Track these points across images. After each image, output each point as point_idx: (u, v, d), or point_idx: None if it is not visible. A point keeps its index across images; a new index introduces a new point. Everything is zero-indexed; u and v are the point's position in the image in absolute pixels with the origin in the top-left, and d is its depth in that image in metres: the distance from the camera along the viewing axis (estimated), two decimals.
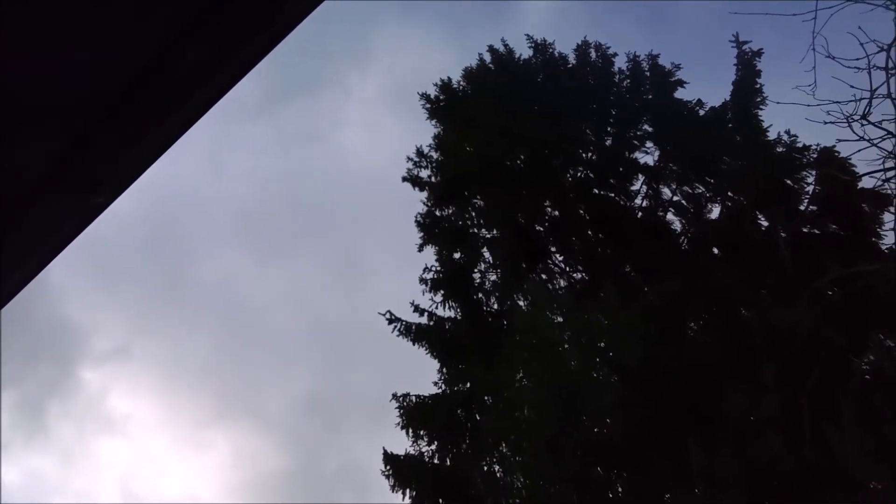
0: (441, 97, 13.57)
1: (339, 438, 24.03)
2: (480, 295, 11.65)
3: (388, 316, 11.20)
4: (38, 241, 2.00)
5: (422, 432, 10.27)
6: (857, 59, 5.39)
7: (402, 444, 10.29)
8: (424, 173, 13.17)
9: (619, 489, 8.25)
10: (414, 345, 10.92)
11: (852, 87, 5.53)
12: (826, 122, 5.75)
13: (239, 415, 27.04)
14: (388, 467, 9.87)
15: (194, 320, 28.29)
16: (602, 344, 8.75)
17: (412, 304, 11.34)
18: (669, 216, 11.19)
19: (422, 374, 10.99)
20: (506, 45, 13.62)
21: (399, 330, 11.06)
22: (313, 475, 23.13)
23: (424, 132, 13.54)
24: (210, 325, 27.49)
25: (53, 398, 25.55)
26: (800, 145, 9.92)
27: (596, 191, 11.81)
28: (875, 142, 5.96)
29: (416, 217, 12.57)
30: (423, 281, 11.68)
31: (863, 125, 5.80)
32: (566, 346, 9.01)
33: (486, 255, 11.95)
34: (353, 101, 27.49)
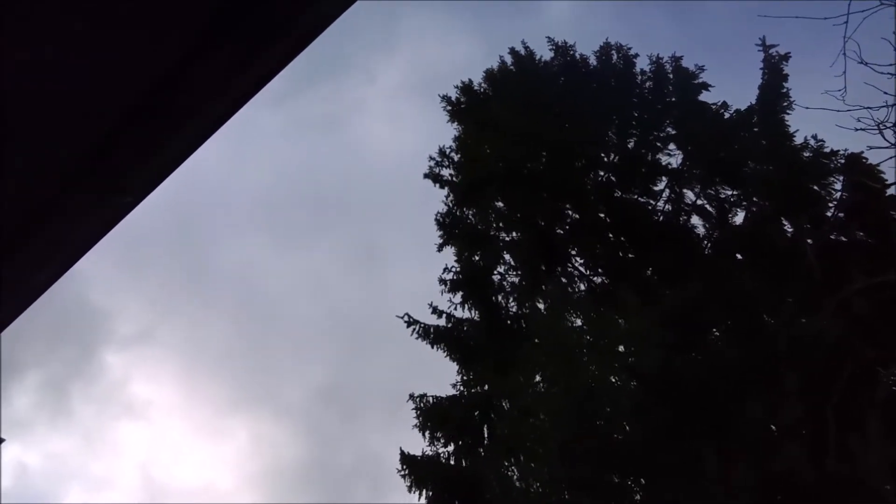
0: (462, 99, 13.55)
1: (356, 428, 24.13)
2: (499, 297, 11.62)
3: (406, 319, 11.22)
4: (66, 239, 2.03)
5: (438, 434, 10.26)
6: (890, 65, 5.27)
7: (418, 437, 10.34)
8: (446, 172, 13.19)
9: (636, 496, 8.17)
10: (433, 347, 10.93)
11: (885, 93, 5.41)
12: (857, 129, 5.63)
13: (257, 403, 27.24)
14: (404, 468, 9.88)
15: (215, 307, 28.58)
16: (621, 349, 8.67)
17: (430, 305, 11.37)
18: (692, 220, 11.07)
19: (439, 365, 11.01)
20: (526, 47, 13.57)
21: (418, 332, 11.08)
22: (330, 465, 23.26)
23: (446, 122, 13.54)
24: (230, 312, 27.75)
25: (77, 380, 25.97)
26: (827, 150, 9.75)
27: (617, 194, 11.71)
28: None
29: (436, 216, 12.60)
30: (442, 281, 11.70)
31: (895, 132, 5.68)
32: (584, 350, 8.94)
33: (506, 257, 11.93)
34: (376, 88, 27.43)
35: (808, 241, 8.91)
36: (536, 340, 9.58)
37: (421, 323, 11.17)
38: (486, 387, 10.37)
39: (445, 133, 13.36)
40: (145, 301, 26.53)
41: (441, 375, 10.88)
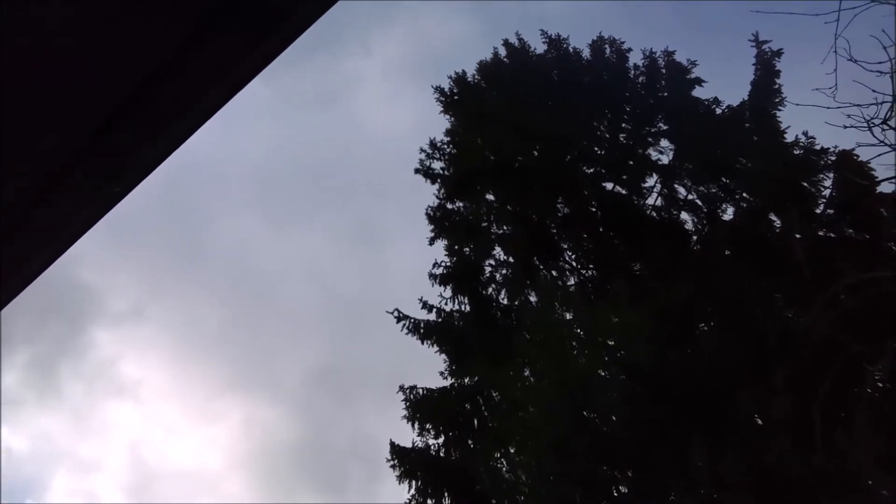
0: (455, 91, 13.51)
1: (350, 411, 24.03)
2: (490, 290, 11.64)
3: (396, 314, 11.20)
4: (59, 227, 2.03)
5: (428, 425, 10.29)
6: (880, 63, 5.30)
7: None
8: (437, 165, 13.17)
9: (625, 489, 8.23)
10: (423, 342, 10.93)
11: (874, 90, 5.44)
12: (846, 126, 5.66)
13: (251, 384, 27.04)
14: (394, 459, 9.90)
15: (208, 285, 28.25)
16: (611, 343, 8.71)
17: (420, 300, 11.36)
18: (683, 215, 11.12)
19: (432, 352, 11.01)
20: (520, 39, 13.55)
21: (408, 328, 11.07)
22: (324, 448, 23.18)
23: (439, 113, 13.48)
24: (222, 291, 27.43)
25: (65, 358, 25.67)
26: (818, 148, 9.81)
27: (609, 188, 11.74)
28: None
29: (426, 210, 12.59)
30: (432, 276, 11.70)
31: (884, 129, 5.72)
32: (575, 343, 8.98)
33: (498, 250, 11.94)
34: (373, 62, 26.89)
35: (798, 237, 8.97)
36: (527, 333, 9.61)
37: (411, 318, 11.16)
38: (477, 379, 10.40)
39: (441, 115, 13.31)
40: (136, 279, 26.20)
41: (435, 360, 10.91)
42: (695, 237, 10.79)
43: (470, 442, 10.11)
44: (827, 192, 9.52)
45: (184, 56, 1.57)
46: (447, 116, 13.49)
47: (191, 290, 27.94)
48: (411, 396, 10.50)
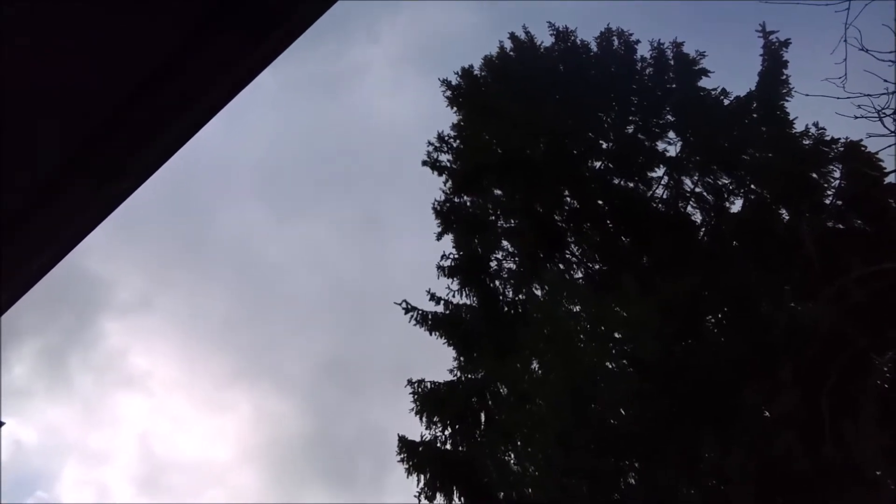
0: (462, 85, 13.48)
1: (356, 402, 24.06)
2: (497, 283, 11.64)
3: (404, 305, 11.24)
4: (64, 226, 2.04)
5: (436, 418, 10.32)
6: (891, 52, 5.23)
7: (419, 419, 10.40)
8: (444, 158, 13.16)
9: (632, 481, 8.23)
10: (431, 334, 10.96)
11: (885, 80, 5.37)
12: (856, 117, 5.60)
13: (258, 375, 27.03)
14: (403, 452, 9.94)
15: (214, 276, 28.21)
16: (618, 336, 8.69)
17: (428, 292, 11.39)
18: (690, 208, 11.04)
19: (441, 342, 11.03)
20: (527, 33, 13.49)
21: (416, 319, 11.10)
22: (332, 439, 23.22)
23: (445, 107, 13.40)
24: (229, 282, 27.41)
25: (75, 349, 25.73)
26: (827, 138, 9.70)
27: (616, 181, 11.68)
28: None
29: (433, 205, 12.59)
30: (440, 268, 11.72)
31: (894, 119, 5.65)
32: (582, 336, 8.96)
33: (505, 244, 11.93)
34: (380, 49, 26.60)
35: (806, 228, 8.90)
36: (534, 327, 9.60)
37: (419, 309, 11.19)
38: (484, 372, 10.41)
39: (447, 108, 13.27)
40: (143, 269, 26.23)
41: (441, 351, 10.96)
42: (702, 230, 10.73)
43: (477, 435, 10.14)
44: (836, 184, 9.42)
45: (184, 56, 1.57)
46: (454, 110, 13.48)
47: (198, 281, 28.00)
48: (419, 390, 10.53)
